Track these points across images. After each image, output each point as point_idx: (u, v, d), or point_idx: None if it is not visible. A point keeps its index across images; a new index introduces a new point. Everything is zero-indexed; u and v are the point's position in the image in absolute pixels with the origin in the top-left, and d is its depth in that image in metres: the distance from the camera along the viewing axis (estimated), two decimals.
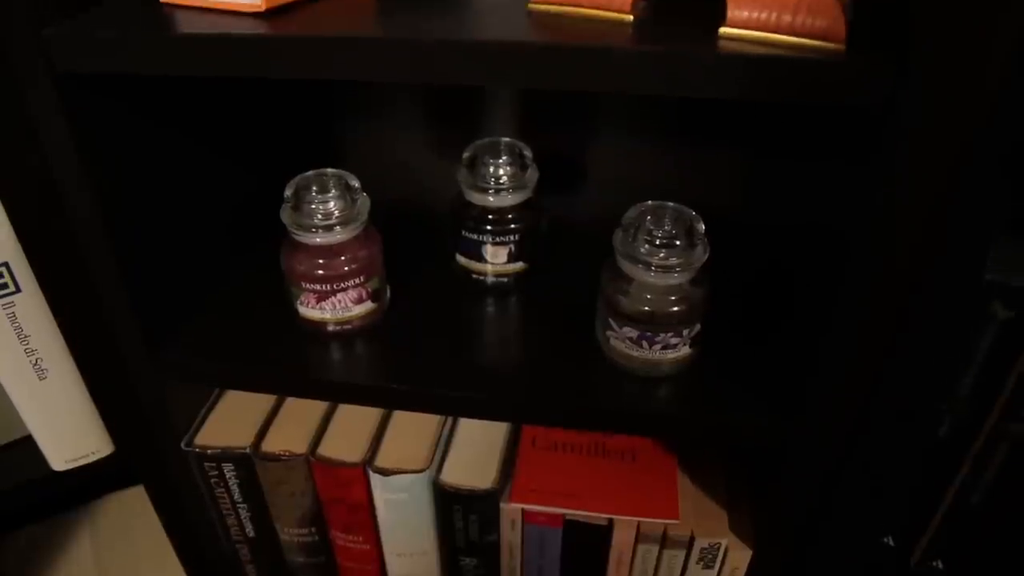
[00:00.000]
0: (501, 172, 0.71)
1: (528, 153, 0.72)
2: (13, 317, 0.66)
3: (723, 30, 0.46)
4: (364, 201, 0.67)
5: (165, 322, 0.70)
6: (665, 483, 0.75)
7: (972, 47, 0.41)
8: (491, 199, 0.70)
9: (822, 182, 0.63)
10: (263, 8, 0.52)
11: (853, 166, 0.53)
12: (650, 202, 0.63)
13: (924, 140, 0.44)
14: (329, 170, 0.67)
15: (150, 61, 0.51)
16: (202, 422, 0.79)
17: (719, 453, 0.80)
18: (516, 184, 0.71)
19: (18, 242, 0.62)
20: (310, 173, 0.67)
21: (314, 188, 0.65)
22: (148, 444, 0.76)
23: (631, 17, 0.48)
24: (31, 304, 0.66)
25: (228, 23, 0.51)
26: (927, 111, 0.43)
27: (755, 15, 0.45)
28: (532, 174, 0.72)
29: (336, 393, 0.70)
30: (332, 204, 0.65)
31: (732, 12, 0.46)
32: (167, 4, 0.55)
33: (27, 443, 0.76)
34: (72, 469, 0.76)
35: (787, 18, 0.44)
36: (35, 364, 0.69)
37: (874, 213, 0.47)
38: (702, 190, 0.82)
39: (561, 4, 0.49)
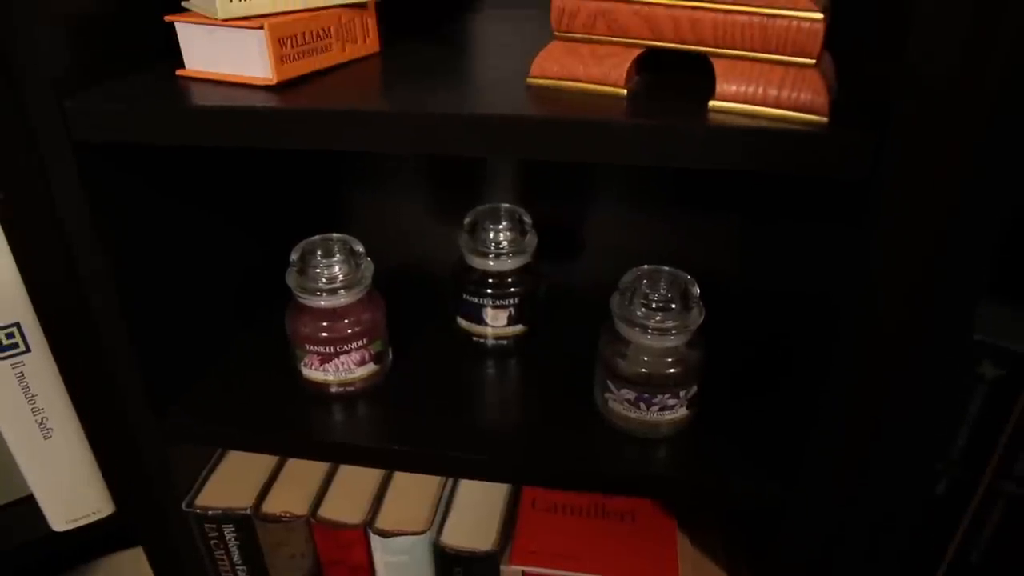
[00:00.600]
0: (501, 237, 0.73)
1: (527, 219, 0.75)
2: (21, 376, 0.67)
3: (713, 103, 0.48)
4: (368, 265, 0.68)
5: (170, 384, 0.71)
6: (664, 545, 0.75)
7: (950, 121, 0.43)
8: (491, 263, 0.72)
9: (814, 247, 0.65)
10: (274, 81, 0.54)
11: (843, 230, 0.55)
12: (646, 266, 0.65)
13: (906, 208, 0.46)
14: (334, 235, 0.69)
15: (166, 132, 0.54)
16: (203, 483, 0.80)
17: (718, 515, 0.80)
18: (516, 249, 0.73)
19: (30, 303, 0.64)
20: (316, 238, 0.69)
21: (319, 252, 0.67)
22: (149, 504, 0.76)
23: (625, 91, 0.50)
24: (40, 364, 0.67)
25: (241, 96, 0.54)
26: (908, 182, 0.45)
27: (743, 89, 0.47)
28: (531, 239, 0.74)
29: (338, 454, 0.70)
30: (337, 268, 0.67)
31: (721, 86, 0.48)
32: (182, 76, 0.58)
33: (28, 503, 0.76)
34: (72, 529, 0.76)
35: (773, 92, 0.47)
36: (41, 424, 0.70)
37: (862, 278, 0.49)
38: (697, 255, 0.84)
39: (558, 79, 0.52)
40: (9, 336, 0.65)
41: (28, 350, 0.66)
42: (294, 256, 0.67)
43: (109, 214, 0.60)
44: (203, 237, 0.74)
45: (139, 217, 0.64)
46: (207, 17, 0.55)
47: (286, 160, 0.88)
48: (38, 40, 0.51)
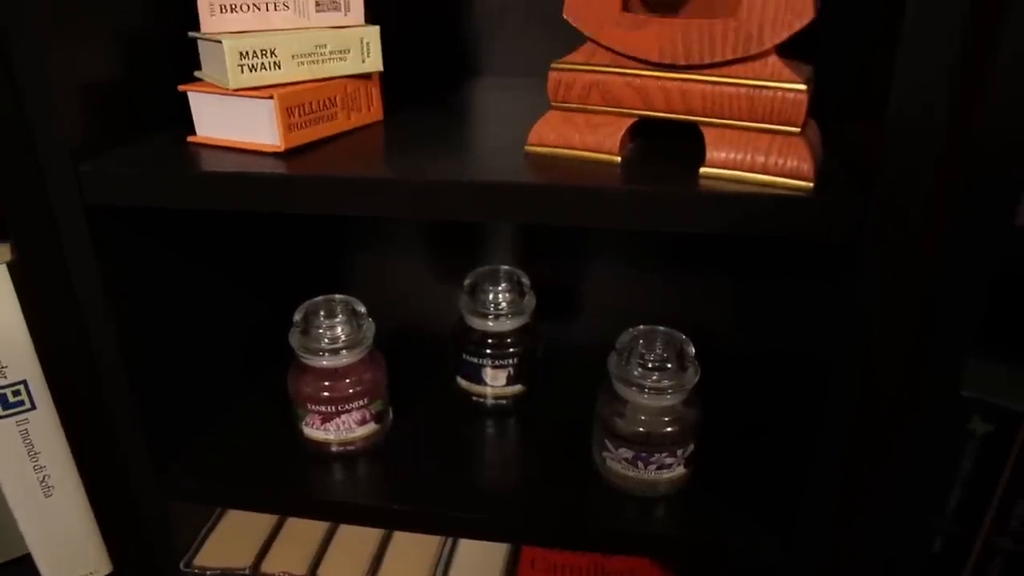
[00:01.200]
0: (500, 298, 0.74)
1: (526, 280, 0.76)
2: (26, 434, 0.68)
3: (703, 170, 0.50)
4: (369, 326, 0.70)
5: (172, 443, 0.72)
6: None
7: (931, 187, 0.45)
8: (491, 324, 0.74)
9: (807, 306, 0.66)
10: (282, 148, 0.56)
11: (835, 289, 0.56)
12: (642, 327, 0.66)
13: (891, 269, 0.47)
14: (337, 296, 0.70)
15: (177, 197, 0.55)
16: (202, 541, 0.80)
17: (716, 573, 0.80)
18: (515, 310, 0.74)
19: (38, 361, 0.65)
20: (319, 299, 0.70)
21: (322, 313, 0.69)
22: (148, 563, 0.76)
23: (619, 159, 0.53)
24: (44, 421, 0.68)
25: (249, 162, 0.56)
26: (891, 245, 0.47)
27: (732, 156, 0.50)
28: (530, 300, 0.76)
29: (338, 513, 0.70)
30: (339, 329, 0.68)
31: (711, 153, 0.50)
32: (193, 142, 0.60)
33: (24, 562, 0.76)
34: None
35: (760, 159, 0.49)
36: (42, 481, 0.70)
37: (851, 336, 0.50)
38: (693, 315, 0.85)
39: (555, 147, 0.54)
40: (16, 393, 0.66)
41: (34, 407, 0.67)
42: (297, 316, 0.69)
43: (118, 274, 0.61)
44: (208, 296, 0.75)
45: (147, 276, 0.65)
46: (219, 87, 0.58)
47: (290, 222, 0.90)
48: (57, 107, 0.54)
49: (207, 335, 0.76)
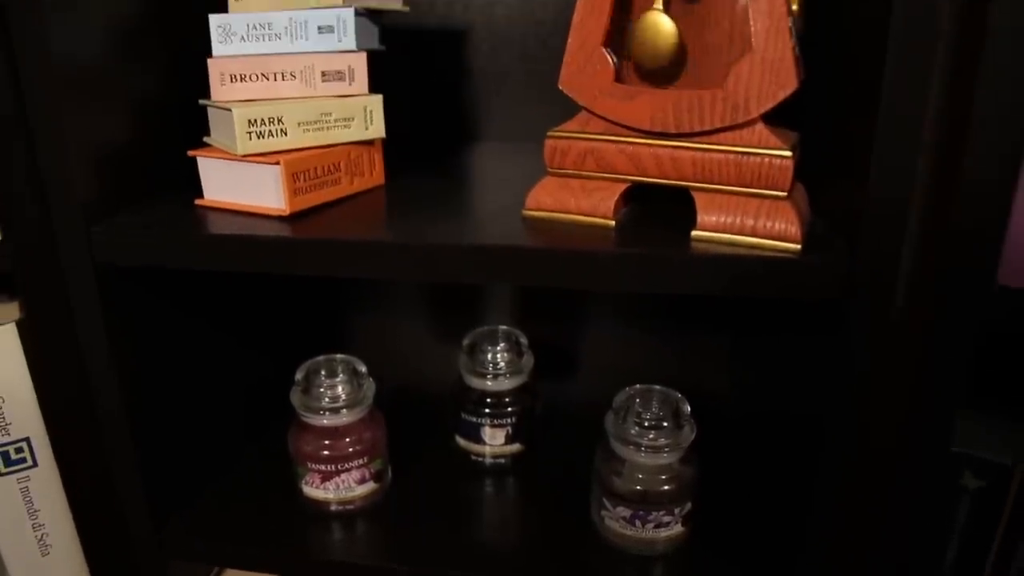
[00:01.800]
0: (499, 358, 0.76)
1: (524, 340, 0.77)
2: (26, 491, 0.68)
3: (695, 233, 0.52)
4: (370, 385, 0.71)
5: (172, 501, 0.72)
6: None
7: (914, 248, 0.46)
8: (489, 383, 0.75)
9: (801, 364, 0.67)
10: (287, 212, 0.58)
11: (828, 345, 0.57)
12: (638, 386, 0.67)
13: (879, 328, 0.49)
14: (338, 355, 0.72)
15: (184, 258, 0.57)
16: None
17: None
18: (513, 369, 0.75)
19: (42, 418, 0.66)
20: (320, 358, 0.71)
21: (323, 372, 0.70)
22: None
23: (614, 222, 0.54)
24: (45, 479, 0.68)
25: (255, 225, 0.57)
26: (879, 304, 0.48)
27: (722, 219, 0.51)
28: (528, 360, 0.77)
29: (337, 573, 0.70)
30: (340, 388, 0.69)
31: (702, 217, 0.52)
32: (200, 205, 0.62)
33: None
34: None
35: (750, 222, 0.50)
36: (40, 539, 0.70)
37: (843, 393, 0.51)
38: (689, 373, 0.86)
39: (552, 211, 0.56)
40: (18, 451, 0.66)
41: (35, 464, 0.67)
42: (299, 375, 0.70)
43: (124, 331, 0.63)
44: (211, 354, 0.76)
45: (152, 334, 0.67)
46: (227, 152, 0.60)
47: (293, 282, 0.91)
48: (72, 170, 0.56)
49: (209, 393, 0.76)
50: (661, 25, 0.50)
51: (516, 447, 0.78)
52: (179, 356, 0.71)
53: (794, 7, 0.49)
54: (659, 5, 0.50)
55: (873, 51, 0.46)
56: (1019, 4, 0.41)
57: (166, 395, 0.69)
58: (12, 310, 0.64)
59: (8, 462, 0.67)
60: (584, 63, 0.52)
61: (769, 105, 0.48)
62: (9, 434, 0.66)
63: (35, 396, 0.65)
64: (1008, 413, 0.59)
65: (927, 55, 0.43)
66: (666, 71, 0.53)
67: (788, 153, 0.49)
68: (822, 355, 0.57)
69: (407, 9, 0.69)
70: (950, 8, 0.42)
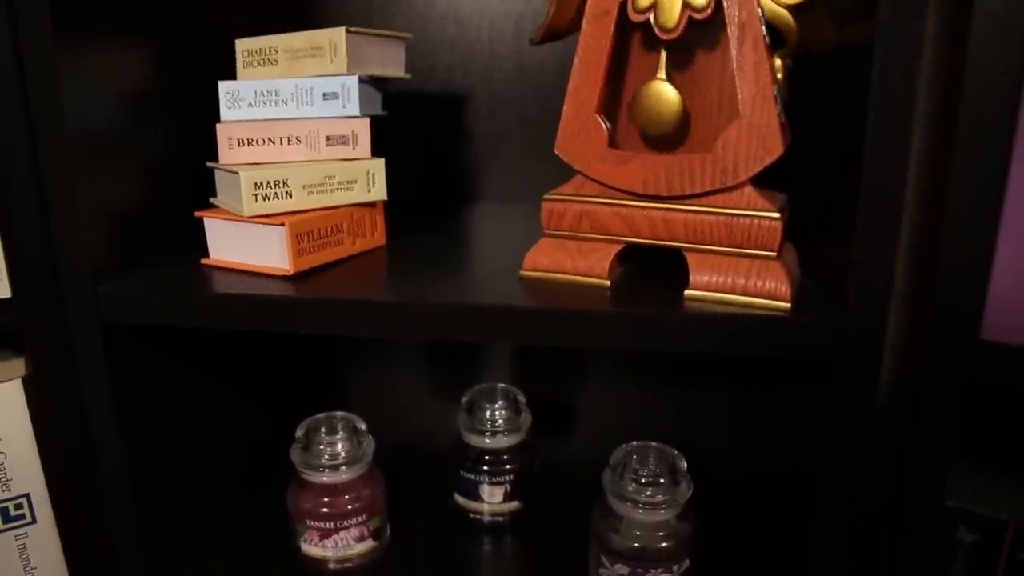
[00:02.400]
0: (497, 416, 0.76)
1: (522, 398, 0.78)
2: (23, 548, 0.68)
3: (688, 292, 0.53)
4: (369, 442, 0.71)
5: (170, 558, 0.72)
6: None
7: (897, 304, 0.48)
8: (488, 441, 0.75)
9: (797, 420, 0.68)
10: (291, 272, 0.60)
11: (822, 399, 0.58)
12: (635, 443, 0.68)
13: (868, 383, 0.50)
14: (338, 413, 0.72)
15: (190, 317, 0.58)
16: None
17: None
18: (511, 427, 0.76)
19: (43, 474, 0.66)
20: (320, 415, 0.72)
21: (323, 429, 0.71)
22: None
23: (609, 283, 0.56)
24: (43, 536, 0.68)
25: (260, 284, 0.59)
26: (868, 360, 0.49)
27: (714, 279, 0.53)
28: (526, 417, 0.77)
29: None
30: (340, 445, 0.70)
31: (694, 276, 0.53)
32: (206, 265, 0.64)
33: None
34: None
35: (741, 281, 0.52)
36: None
37: (836, 449, 0.52)
38: (686, 429, 0.87)
39: (548, 271, 0.58)
40: (18, 507, 0.66)
41: (34, 521, 0.67)
42: (299, 432, 0.70)
43: (128, 387, 0.64)
44: (212, 411, 0.77)
45: (155, 390, 0.67)
46: (233, 213, 0.62)
47: (294, 339, 0.92)
48: (82, 231, 0.58)
49: (209, 450, 0.77)
50: (665, 93, 0.53)
51: (514, 505, 0.78)
52: (180, 413, 0.72)
53: (779, 75, 0.51)
54: (662, 74, 0.53)
55: (854, 118, 0.48)
56: (991, 73, 0.43)
57: (166, 452, 0.70)
58: (18, 366, 0.65)
59: (7, 518, 0.67)
60: (579, 129, 0.54)
61: (757, 169, 0.50)
62: (10, 490, 0.66)
63: (37, 452, 0.66)
64: (1001, 467, 0.59)
65: (905, 126, 0.45)
66: (670, 137, 0.54)
67: (776, 215, 0.50)
68: (816, 410, 0.58)
69: (409, 76, 0.71)
70: (928, 81, 0.44)
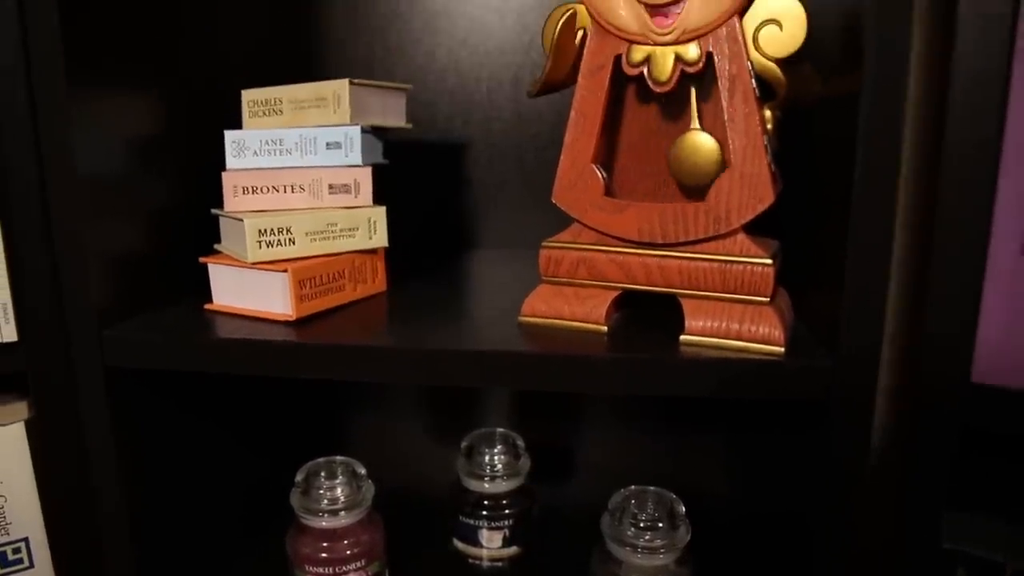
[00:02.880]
0: (496, 460, 0.77)
1: (521, 443, 0.79)
2: None
3: (683, 337, 0.54)
4: (369, 487, 0.72)
5: None
6: None
7: (888, 348, 0.49)
8: (487, 486, 0.76)
9: (795, 464, 0.68)
10: (293, 318, 0.61)
11: (818, 442, 0.59)
12: (633, 487, 0.68)
13: (859, 426, 0.51)
14: (338, 458, 0.73)
15: (193, 362, 0.59)
16: None
17: None
18: (510, 472, 0.76)
19: (42, 518, 0.66)
20: (321, 460, 0.72)
21: (323, 474, 0.71)
22: None
23: (606, 328, 0.57)
24: None
25: (263, 330, 0.60)
26: (859, 403, 0.50)
27: (709, 324, 0.54)
28: (525, 462, 0.78)
29: None
30: (339, 490, 0.70)
31: (690, 322, 0.54)
32: (209, 310, 0.65)
33: None
34: None
35: (735, 326, 0.53)
36: None
37: (831, 493, 0.53)
38: (684, 473, 0.87)
39: (546, 317, 0.59)
40: (16, 551, 0.66)
41: (31, 566, 0.67)
42: (299, 477, 0.71)
43: (129, 431, 0.64)
44: (212, 454, 0.77)
45: (155, 434, 0.68)
46: (237, 259, 0.63)
47: (294, 384, 0.93)
48: (89, 277, 0.59)
49: (208, 494, 0.77)
50: (702, 143, 0.54)
51: (513, 550, 0.78)
52: (180, 456, 0.72)
53: (769, 126, 0.52)
54: (696, 124, 0.54)
55: (842, 167, 0.49)
56: (972, 125, 0.45)
57: (166, 496, 0.70)
58: (21, 410, 0.65)
59: (5, 563, 0.66)
60: (576, 179, 0.56)
61: (749, 217, 0.51)
62: (8, 534, 0.66)
63: (37, 496, 0.66)
64: (998, 510, 0.60)
65: (891, 175, 0.47)
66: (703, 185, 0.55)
67: (769, 261, 0.52)
68: (813, 453, 0.59)
69: (410, 126, 0.73)
70: (912, 135, 0.46)
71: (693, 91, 0.54)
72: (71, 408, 0.62)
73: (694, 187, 0.55)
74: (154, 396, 0.67)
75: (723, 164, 0.53)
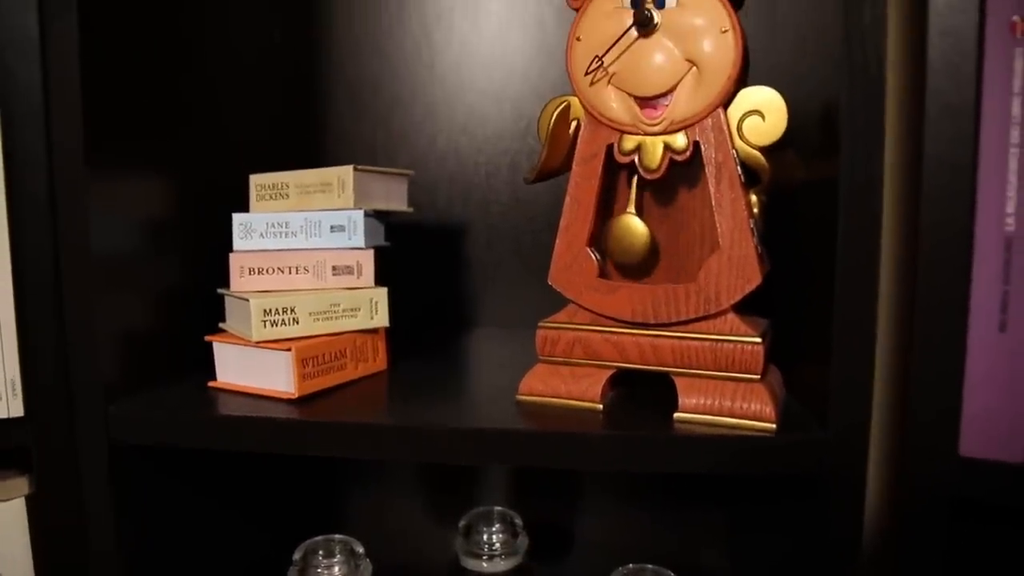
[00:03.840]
0: (494, 539, 0.77)
1: (519, 521, 0.79)
2: None
3: (677, 415, 0.55)
4: (367, 566, 0.72)
5: None
6: None
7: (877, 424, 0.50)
8: (485, 565, 0.75)
9: (793, 537, 0.69)
10: (296, 396, 0.62)
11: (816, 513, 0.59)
12: (631, 565, 0.68)
13: (853, 502, 0.51)
14: (336, 536, 0.73)
15: (197, 438, 0.60)
16: None
17: None
18: (508, 551, 0.76)
19: None
20: (319, 538, 0.72)
21: (321, 552, 0.71)
22: None
23: (601, 406, 0.58)
24: None
25: (265, 407, 0.61)
26: (851, 480, 0.51)
27: (702, 401, 0.55)
28: (523, 540, 0.78)
29: None
30: (337, 569, 0.70)
31: (683, 399, 0.56)
32: (213, 387, 0.66)
33: None
34: None
35: (727, 403, 0.54)
36: None
37: (827, 566, 0.53)
38: (682, 550, 0.87)
39: (543, 396, 0.60)
40: None
41: None
42: (296, 555, 0.71)
43: (129, 507, 0.64)
44: (210, 531, 0.77)
45: (155, 510, 0.68)
46: (241, 338, 0.64)
47: (293, 460, 0.93)
48: (97, 354, 0.60)
49: (207, 570, 0.77)
50: (634, 226, 0.57)
51: None
52: (180, 533, 0.72)
53: (755, 210, 0.55)
54: (632, 208, 0.57)
55: (826, 248, 0.51)
56: (941, 211, 0.47)
57: (165, 573, 0.70)
58: (22, 485, 0.66)
59: None
60: (571, 261, 0.58)
61: (737, 297, 0.53)
62: None
63: (33, 572, 0.66)
64: None
65: (872, 254, 0.49)
66: (640, 266, 0.58)
67: (758, 340, 0.53)
68: (809, 527, 0.59)
69: (411, 210, 0.76)
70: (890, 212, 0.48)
71: (635, 179, 0.57)
72: (73, 484, 0.62)
73: (630, 266, 0.58)
74: (155, 472, 0.68)
75: (655, 245, 0.57)
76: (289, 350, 0.61)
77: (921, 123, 0.47)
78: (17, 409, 0.62)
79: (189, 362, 0.70)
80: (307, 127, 0.95)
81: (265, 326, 0.63)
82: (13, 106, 0.57)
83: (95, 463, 0.62)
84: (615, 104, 0.56)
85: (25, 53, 0.56)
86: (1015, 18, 0.47)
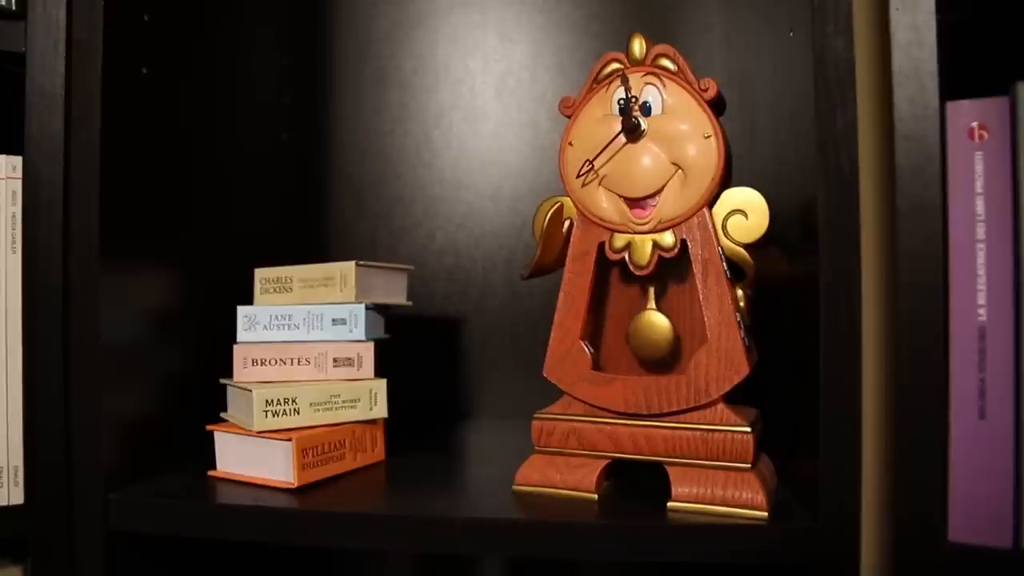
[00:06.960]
0: None
1: None
2: None
3: (671, 504, 0.57)
4: None
5: None
6: None
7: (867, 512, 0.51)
8: None
9: None
10: (295, 485, 0.63)
11: None
12: None
13: None
14: None
15: (196, 527, 0.60)
16: None
17: None
18: None
19: None
20: None
21: None
22: None
23: (596, 496, 0.59)
24: None
25: (265, 496, 0.61)
26: (842, 567, 0.52)
27: (694, 490, 0.56)
28: None
29: None
30: None
31: (676, 488, 0.57)
32: (213, 476, 0.67)
33: None
34: None
35: (719, 492, 0.55)
36: None
37: None
38: None
39: (539, 486, 0.61)
40: None
41: None
42: None
43: None
44: None
45: None
46: (242, 428, 0.66)
47: (290, 549, 0.93)
48: (100, 443, 0.61)
49: None
50: (657, 322, 0.59)
51: None
52: None
53: (741, 304, 0.57)
54: (652, 304, 0.59)
55: (812, 340, 0.53)
56: (917, 303, 0.50)
57: None
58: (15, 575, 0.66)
59: None
60: (565, 355, 0.60)
61: (726, 388, 0.55)
62: None
63: None
64: None
65: (853, 345, 0.51)
66: (664, 360, 0.60)
67: (748, 429, 0.55)
68: None
69: (410, 304, 0.78)
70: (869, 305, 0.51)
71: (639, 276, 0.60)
72: (67, 572, 0.62)
73: (652, 361, 0.60)
74: (149, 560, 0.68)
75: (677, 339, 0.59)
76: (290, 440, 0.63)
77: (894, 221, 0.50)
78: (17, 497, 0.62)
79: (189, 451, 0.70)
80: (311, 223, 0.98)
81: (267, 416, 0.64)
82: (38, 197, 0.60)
83: (92, 551, 0.62)
84: (606, 204, 0.59)
85: (52, 155, 0.60)
86: (973, 124, 0.51)
